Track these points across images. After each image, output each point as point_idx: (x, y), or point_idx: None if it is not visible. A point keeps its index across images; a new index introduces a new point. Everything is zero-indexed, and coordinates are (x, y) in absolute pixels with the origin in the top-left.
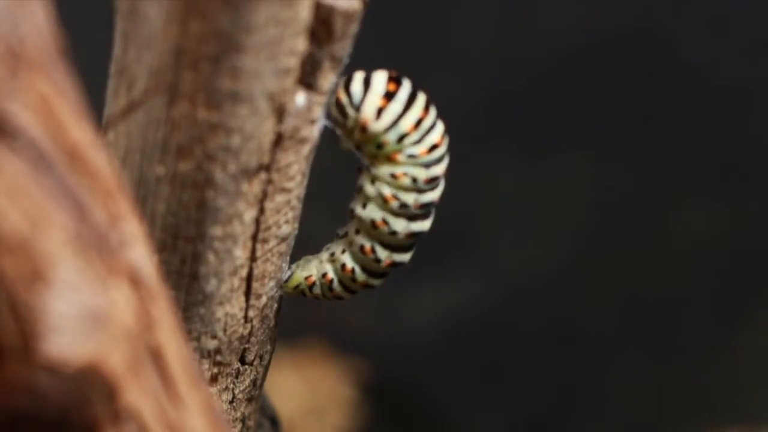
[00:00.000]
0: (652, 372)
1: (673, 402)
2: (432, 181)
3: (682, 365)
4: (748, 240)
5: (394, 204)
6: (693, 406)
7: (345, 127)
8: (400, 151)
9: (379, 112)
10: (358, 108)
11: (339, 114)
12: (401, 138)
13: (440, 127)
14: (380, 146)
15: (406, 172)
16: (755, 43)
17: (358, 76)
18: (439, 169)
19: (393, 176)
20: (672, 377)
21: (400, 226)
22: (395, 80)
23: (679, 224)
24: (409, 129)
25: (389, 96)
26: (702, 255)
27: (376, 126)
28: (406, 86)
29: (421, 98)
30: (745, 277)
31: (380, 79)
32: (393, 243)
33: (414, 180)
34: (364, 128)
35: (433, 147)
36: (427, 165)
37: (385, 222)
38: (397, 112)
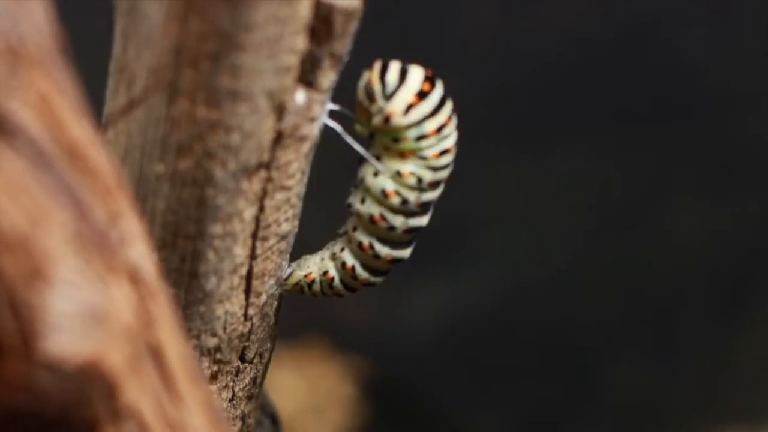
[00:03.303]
0: (652, 372)
1: (673, 401)
2: (435, 184)
3: (682, 365)
4: (747, 240)
5: (395, 200)
6: (693, 405)
7: (368, 111)
8: (414, 150)
9: (409, 108)
10: (389, 98)
11: (366, 98)
12: (420, 138)
13: (455, 135)
14: (397, 140)
15: (413, 171)
16: (755, 43)
17: (395, 67)
18: (445, 174)
19: (399, 174)
20: (672, 377)
21: (398, 221)
22: (430, 80)
23: (679, 224)
24: (431, 132)
25: (422, 95)
26: (702, 255)
27: (401, 120)
28: (438, 89)
29: (449, 105)
30: (745, 277)
31: (417, 75)
32: (391, 238)
33: (419, 180)
34: (388, 119)
35: (445, 152)
36: (435, 169)
37: (383, 218)
38: (425, 112)
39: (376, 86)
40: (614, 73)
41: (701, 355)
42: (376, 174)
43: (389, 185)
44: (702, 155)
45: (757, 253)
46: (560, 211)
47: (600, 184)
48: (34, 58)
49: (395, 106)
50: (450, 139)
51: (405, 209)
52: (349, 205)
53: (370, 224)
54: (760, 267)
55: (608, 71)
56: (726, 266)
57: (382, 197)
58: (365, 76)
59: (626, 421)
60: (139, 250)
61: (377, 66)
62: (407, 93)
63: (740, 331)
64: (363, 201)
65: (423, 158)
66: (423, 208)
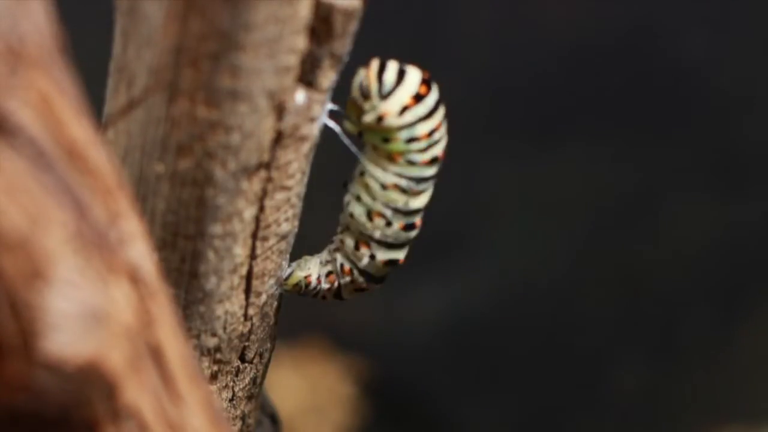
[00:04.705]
0: (652, 372)
1: (673, 402)
2: (419, 193)
3: (682, 365)
4: (747, 239)
5: (380, 222)
6: (693, 405)
7: (360, 109)
8: (403, 153)
9: (404, 109)
10: (384, 97)
11: (360, 96)
12: (411, 140)
13: (445, 142)
14: (387, 140)
15: (397, 183)
16: (755, 43)
17: (393, 67)
18: (429, 183)
19: (384, 187)
20: (672, 377)
21: (395, 219)
22: (427, 83)
23: (679, 223)
24: (422, 135)
25: (418, 98)
26: (702, 254)
27: (395, 121)
28: (434, 93)
29: (442, 110)
30: (745, 276)
31: (415, 77)
32: (369, 269)
33: (404, 191)
34: (381, 119)
35: (434, 160)
36: (419, 180)
37: (367, 245)
38: (419, 115)
39: (373, 85)
40: (614, 74)
41: (701, 355)
42: (359, 198)
43: (378, 206)
44: (702, 156)
45: (758, 254)
46: (560, 211)
47: (600, 184)
48: (34, 58)
49: (390, 107)
50: (439, 145)
51: (387, 238)
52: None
53: (354, 251)
54: (761, 267)
55: (608, 72)
56: (726, 266)
57: (367, 220)
58: (361, 73)
59: (626, 421)
60: (139, 250)
61: (375, 64)
62: (404, 94)
63: (740, 331)
64: (348, 227)
65: (411, 163)
66: (410, 216)
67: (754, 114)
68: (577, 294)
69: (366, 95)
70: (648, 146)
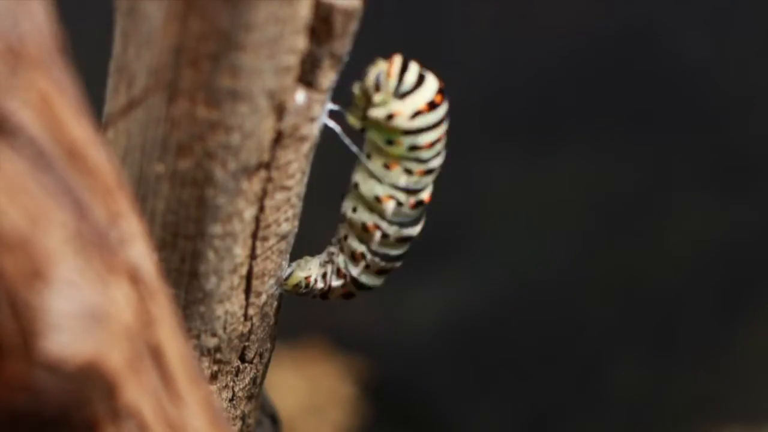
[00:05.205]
0: (652, 372)
1: (673, 402)
2: (417, 205)
3: (682, 365)
4: (747, 239)
5: (390, 204)
6: (693, 405)
7: (370, 100)
8: (402, 159)
9: (416, 114)
10: (401, 97)
11: (374, 86)
12: (413, 149)
13: (443, 155)
14: (390, 143)
15: (392, 195)
16: (755, 43)
17: (415, 69)
18: (425, 195)
19: (379, 200)
20: (672, 377)
21: (392, 230)
22: (442, 93)
23: (679, 223)
24: (425, 144)
25: (432, 106)
26: (702, 255)
27: (405, 123)
28: (445, 105)
29: (446, 122)
30: (745, 276)
31: (433, 85)
32: (384, 247)
33: (399, 204)
34: (391, 117)
35: (429, 171)
36: (415, 191)
37: (377, 226)
38: (428, 123)
39: (392, 80)
40: (614, 74)
41: (701, 355)
42: (365, 181)
43: (381, 190)
44: (702, 156)
45: (757, 253)
46: (560, 211)
47: (600, 184)
48: (35, 58)
49: (405, 107)
50: (438, 159)
51: (398, 217)
52: (343, 215)
53: (364, 232)
54: (761, 267)
55: (608, 72)
56: (726, 266)
57: (375, 203)
58: (380, 65)
59: (626, 421)
60: (139, 250)
61: (398, 61)
62: (421, 99)
63: (740, 331)
64: (355, 209)
65: (408, 171)
66: (416, 209)
67: (754, 114)
68: (577, 294)
69: (380, 87)
70: (648, 146)
